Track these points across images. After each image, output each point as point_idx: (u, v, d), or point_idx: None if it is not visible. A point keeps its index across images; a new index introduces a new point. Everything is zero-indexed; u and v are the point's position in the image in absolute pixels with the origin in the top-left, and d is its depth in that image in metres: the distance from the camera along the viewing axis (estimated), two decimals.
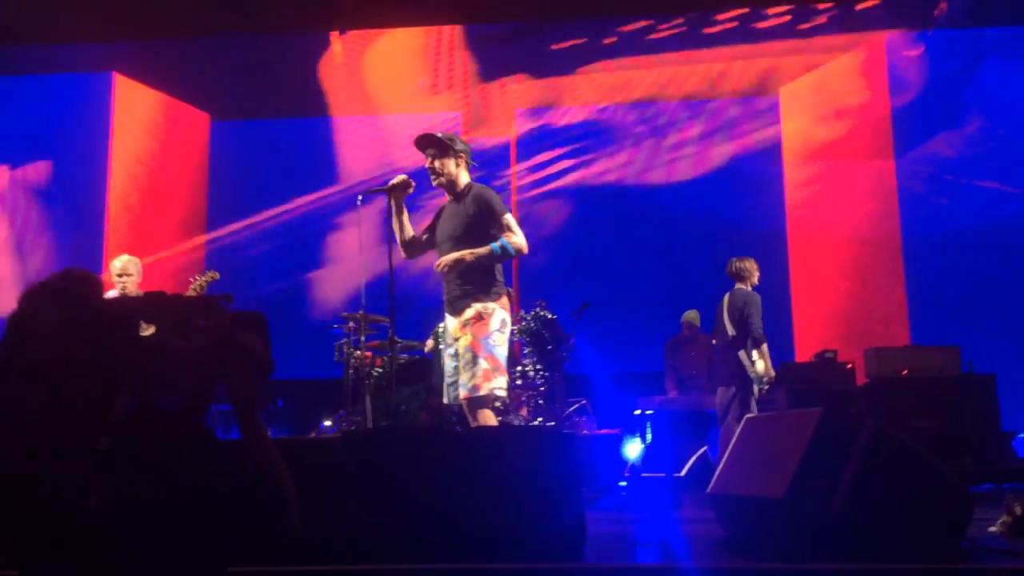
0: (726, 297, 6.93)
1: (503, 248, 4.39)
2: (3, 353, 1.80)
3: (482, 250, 4.39)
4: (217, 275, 6.10)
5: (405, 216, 4.63)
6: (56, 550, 1.66)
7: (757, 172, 10.24)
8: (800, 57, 9.97)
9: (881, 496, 3.15)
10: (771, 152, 10.26)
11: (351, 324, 7.24)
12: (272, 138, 10.89)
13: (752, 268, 6.97)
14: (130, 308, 1.78)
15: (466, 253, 4.39)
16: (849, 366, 6.77)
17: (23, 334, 1.77)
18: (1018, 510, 3.58)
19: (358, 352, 7.08)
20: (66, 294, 1.79)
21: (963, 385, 6.54)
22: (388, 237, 4.63)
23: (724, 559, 3.26)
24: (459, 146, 4.56)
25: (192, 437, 1.73)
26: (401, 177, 4.55)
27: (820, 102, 9.99)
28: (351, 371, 7.17)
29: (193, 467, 1.70)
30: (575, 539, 3.11)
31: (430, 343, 7.13)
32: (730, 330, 6.77)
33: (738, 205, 10.04)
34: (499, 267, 4.51)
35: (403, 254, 4.67)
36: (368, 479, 3.20)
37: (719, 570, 2.76)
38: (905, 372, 6.58)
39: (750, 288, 6.91)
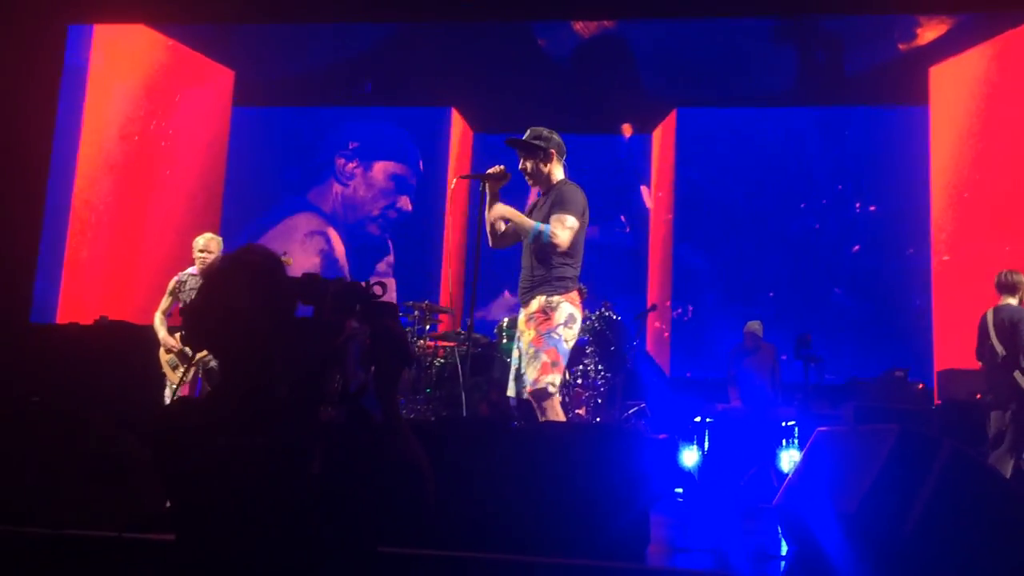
0: (989, 313, 6.32)
1: (540, 232, 4.36)
2: (196, 323, 1.88)
3: (526, 221, 4.40)
4: (291, 260, 6.19)
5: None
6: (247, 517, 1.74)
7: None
8: None
9: (957, 520, 3.07)
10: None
11: (416, 313, 7.30)
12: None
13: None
14: (311, 289, 1.85)
15: (514, 214, 4.43)
16: (920, 386, 6.61)
17: (221, 307, 1.84)
18: None
19: (422, 342, 7.14)
20: (264, 270, 1.87)
21: None
22: (478, 227, 4.57)
23: (789, 572, 3.21)
24: (545, 143, 4.51)
25: (363, 416, 1.81)
26: (499, 167, 4.53)
27: None
28: (415, 361, 7.22)
29: (365, 446, 1.78)
30: (638, 540, 3.09)
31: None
32: (999, 349, 6.19)
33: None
34: (571, 266, 4.44)
35: (490, 243, 4.63)
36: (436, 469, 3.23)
37: None
38: (979, 396, 6.41)
39: (1018, 303, 6.29)
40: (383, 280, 1.91)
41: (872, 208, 10.09)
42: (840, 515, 3.20)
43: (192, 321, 1.88)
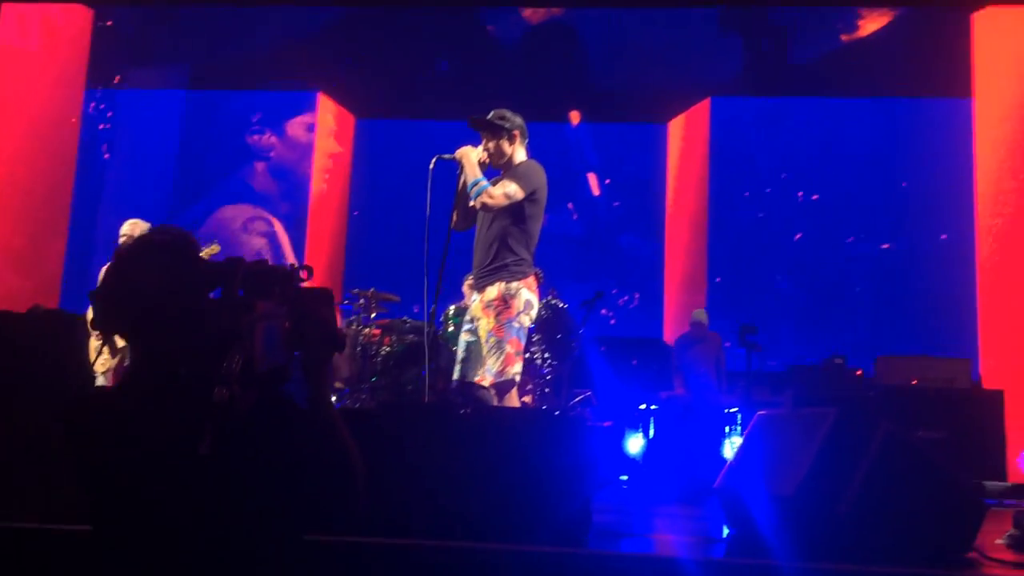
0: None
1: (478, 185, 4.37)
2: (105, 306, 1.82)
3: (476, 173, 4.41)
4: (218, 247, 6.05)
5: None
6: (147, 501, 1.70)
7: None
8: None
9: (891, 500, 3.13)
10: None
11: (361, 301, 7.23)
12: None
13: None
14: (222, 268, 1.79)
15: (471, 162, 4.43)
16: (859, 372, 6.74)
17: (129, 289, 1.78)
18: None
19: (366, 330, 7.07)
20: (173, 250, 1.80)
21: (970, 399, 6.51)
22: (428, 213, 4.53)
23: (727, 553, 3.24)
24: (508, 124, 4.50)
25: (280, 403, 1.76)
26: (479, 149, 4.52)
27: None
28: (359, 349, 7.15)
29: (279, 432, 1.74)
30: (580, 526, 3.10)
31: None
32: None
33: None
34: (527, 250, 4.45)
35: (452, 222, 4.60)
36: (375, 456, 3.20)
37: (724, 565, 2.75)
38: (914, 382, 6.55)
39: None
40: (308, 266, 1.86)
41: (815, 197, 10.25)
42: (778, 497, 3.25)
43: (100, 305, 1.82)
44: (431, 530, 3.00)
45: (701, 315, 8.32)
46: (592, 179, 10.93)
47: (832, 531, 3.10)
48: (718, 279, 10.10)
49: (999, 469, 6.63)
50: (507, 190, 4.34)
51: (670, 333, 9.94)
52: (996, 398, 6.60)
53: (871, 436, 3.19)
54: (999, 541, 3.57)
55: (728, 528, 3.69)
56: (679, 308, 10.17)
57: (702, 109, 10.57)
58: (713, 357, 8.07)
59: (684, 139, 10.83)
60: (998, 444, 6.51)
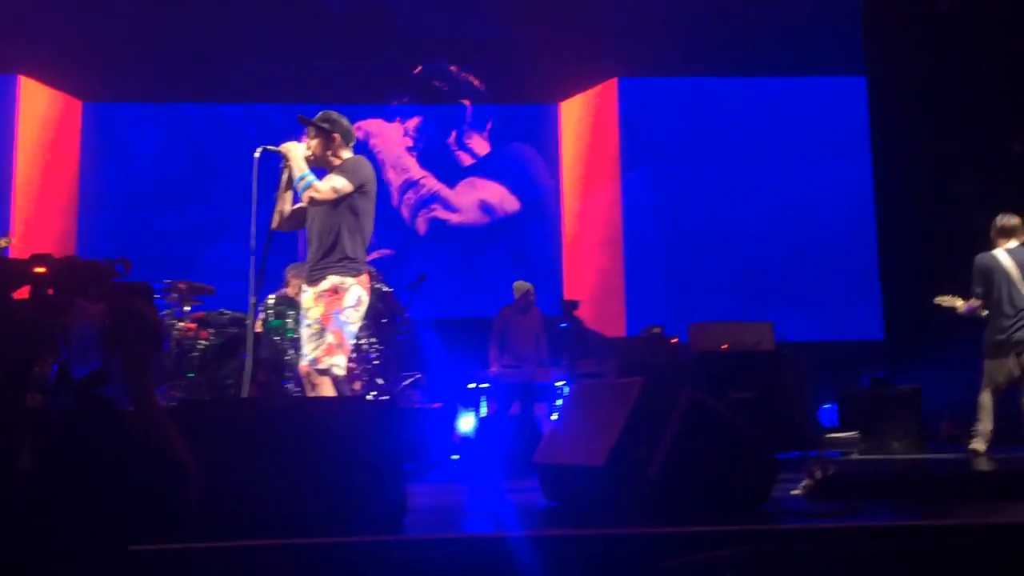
0: (1002, 255, 6.21)
1: (305, 179, 4.36)
2: None
3: (303, 168, 4.39)
4: (10, 241, 5.65)
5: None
6: None
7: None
8: None
9: (695, 462, 3.29)
10: None
11: (174, 295, 6.89)
12: None
13: None
14: (24, 268, 1.61)
15: (298, 157, 4.40)
16: (674, 340, 7.04)
17: None
18: (818, 474, 3.82)
19: (181, 324, 6.75)
20: None
21: (775, 358, 6.94)
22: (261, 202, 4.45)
23: (542, 527, 3.31)
24: (330, 127, 4.52)
25: (100, 405, 1.63)
26: (300, 144, 4.50)
27: None
28: (174, 344, 6.82)
29: (99, 437, 1.62)
30: (396, 512, 3.07)
31: (260, 315, 6.89)
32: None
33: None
34: (361, 244, 4.47)
35: (275, 222, 4.54)
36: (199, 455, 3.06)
37: (537, 538, 2.80)
38: (725, 346, 6.91)
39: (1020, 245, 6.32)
40: (126, 259, 1.74)
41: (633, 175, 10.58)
42: (590, 468, 3.33)
43: None
44: (249, 530, 2.90)
45: (525, 286, 8.39)
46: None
47: (642, 496, 3.22)
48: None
49: (802, 423, 7.13)
50: (334, 184, 4.37)
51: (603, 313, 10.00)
52: (798, 356, 7.09)
53: (675, 402, 3.33)
54: (794, 491, 3.82)
55: (547, 500, 3.76)
56: (591, 286, 10.30)
57: (608, 89, 10.55)
58: (537, 330, 8.21)
59: (589, 119, 10.78)
60: (801, 399, 6.99)
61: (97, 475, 1.62)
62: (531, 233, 10.74)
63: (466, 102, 10.70)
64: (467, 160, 10.77)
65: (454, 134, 10.75)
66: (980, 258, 6.32)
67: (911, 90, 8.87)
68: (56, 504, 1.59)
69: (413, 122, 10.79)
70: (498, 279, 9.58)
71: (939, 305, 6.47)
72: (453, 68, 10.57)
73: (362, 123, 10.19)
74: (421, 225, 10.64)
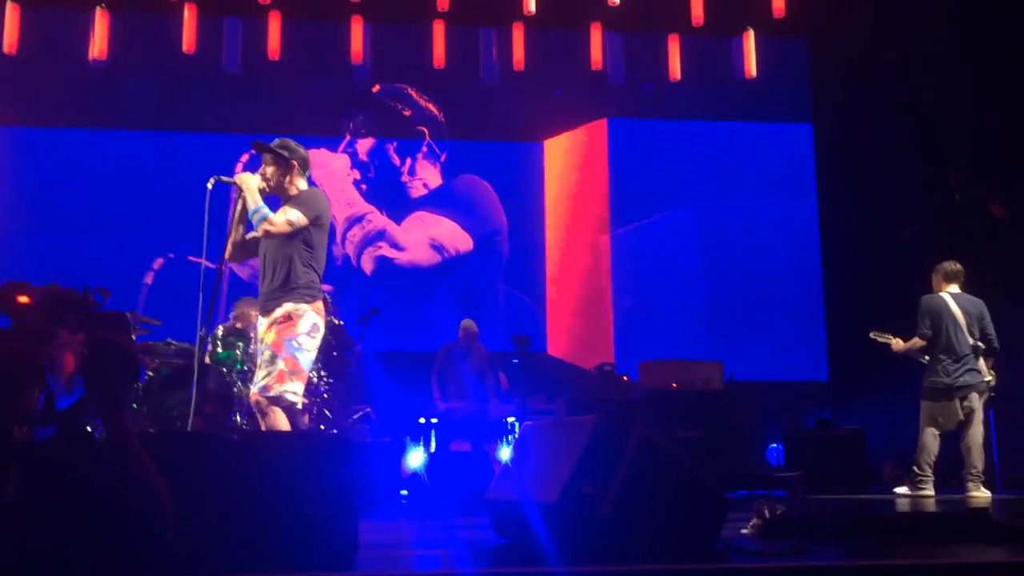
0: (947, 299, 6.46)
1: (260, 211, 4.35)
2: None
3: (257, 200, 4.38)
4: None
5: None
6: None
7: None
8: None
9: (646, 500, 3.30)
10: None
11: None
12: None
13: None
14: (5, 296, 1.57)
15: (252, 190, 4.39)
16: (625, 378, 7.09)
17: None
18: (766, 513, 3.86)
19: None
20: None
21: (724, 398, 7.04)
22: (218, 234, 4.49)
23: (493, 564, 3.28)
24: (289, 154, 4.52)
25: (80, 438, 1.57)
26: (258, 176, 4.50)
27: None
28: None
29: (78, 469, 1.60)
30: (347, 548, 3.03)
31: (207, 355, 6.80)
32: (970, 336, 6.42)
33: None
34: (316, 271, 4.46)
35: (228, 253, 4.54)
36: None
37: (486, 575, 2.79)
38: (675, 384, 6.98)
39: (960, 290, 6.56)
40: (104, 288, 1.71)
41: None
42: (543, 504, 3.33)
43: None
44: (200, 565, 2.83)
45: (470, 325, 8.41)
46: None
47: (594, 534, 3.22)
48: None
49: (751, 461, 7.21)
50: (289, 217, 4.37)
51: (553, 347, 9.96)
52: (746, 396, 7.20)
53: (626, 440, 3.35)
54: (744, 531, 3.85)
55: (498, 537, 3.74)
56: (576, 320, 10.27)
57: (598, 128, 10.58)
58: (485, 366, 8.21)
59: (578, 157, 10.76)
60: (748, 438, 7.08)
61: (80, 508, 1.58)
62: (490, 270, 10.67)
63: (423, 129, 10.56)
64: (418, 191, 10.62)
65: (408, 162, 10.62)
66: (930, 299, 6.48)
67: (856, 138, 9.14)
68: (35, 536, 1.54)
69: (366, 145, 10.57)
70: (446, 314, 9.54)
71: (875, 340, 6.63)
72: (412, 92, 10.47)
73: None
74: (367, 264, 10.37)
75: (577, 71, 9.71)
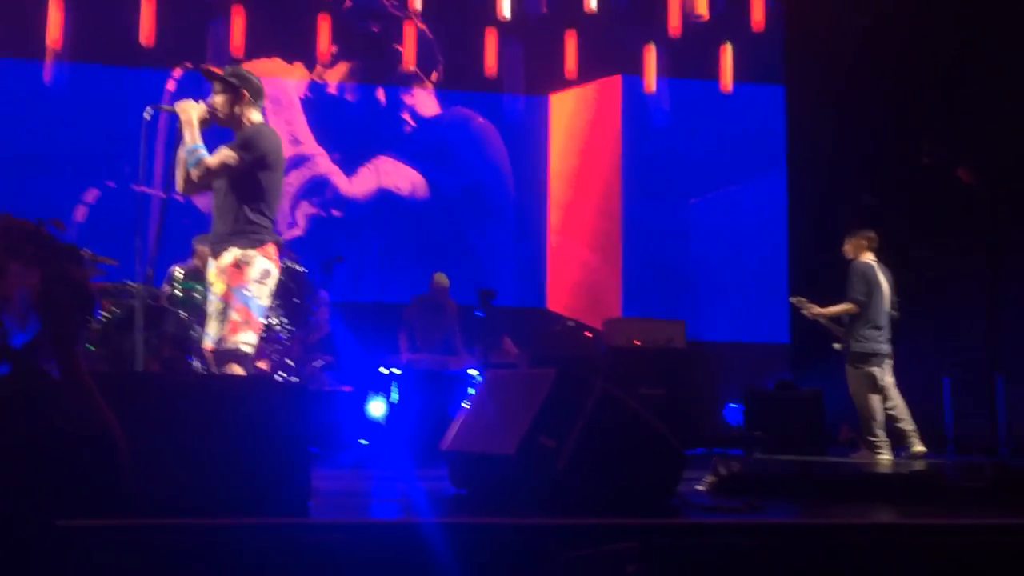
0: (876, 267, 6.58)
1: (195, 151, 4.13)
2: None
3: (196, 138, 4.15)
4: None
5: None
6: None
7: None
8: None
9: (603, 455, 3.30)
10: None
11: None
12: None
13: None
14: None
15: (191, 124, 4.16)
16: (588, 335, 7.10)
17: None
18: (722, 471, 3.90)
19: None
20: None
21: (685, 357, 7.06)
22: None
23: (449, 513, 3.28)
24: (239, 82, 4.26)
25: (34, 374, 1.54)
26: (201, 105, 4.22)
27: None
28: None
29: (33, 408, 1.55)
30: (300, 494, 3.00)
31: (166, 288, 6.68)
32: (892, 302, 6.56)
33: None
34: (266, 214, 4.24)
35: (179, 187, 4.31)
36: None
37: (442, 524, 2.77)
38: (637, 342, 7.00)
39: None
40: (58, 220, 1.63)
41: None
42: (501, 456, 3.32)
43: None
44: (155, 508, 2.79)
45: (442, 279, 8.35)
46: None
47: (551, 486, 3.22)
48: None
49: (711, 420, 7.28)
50: (225, 160, 4.12)
51: (553, 302, 9.84)
52: (708, 356, 7.24)
53: (587, 394, 3.34)
54: (699, 487, 3.88)
55: (455, 487, 3.74)
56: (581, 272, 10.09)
57: (612, 84, 10.23)
58: (453, 319, 8.18)
59: (589, 113, 10.40)
60: (710, 398, 7.15)
61: (31, 446, 1.54)
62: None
63: (399, 48, 9.17)
64: (408, 125, 9.57)
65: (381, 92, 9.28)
66: (864, 266, 6.53)
67: (828, 101, 9.12)
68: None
69: (338, 72, 9.37)
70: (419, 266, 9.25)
71: (795, 305, 6.72)
72: (389, 3, 9.23)
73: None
74: (299, 219, 9.34)
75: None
